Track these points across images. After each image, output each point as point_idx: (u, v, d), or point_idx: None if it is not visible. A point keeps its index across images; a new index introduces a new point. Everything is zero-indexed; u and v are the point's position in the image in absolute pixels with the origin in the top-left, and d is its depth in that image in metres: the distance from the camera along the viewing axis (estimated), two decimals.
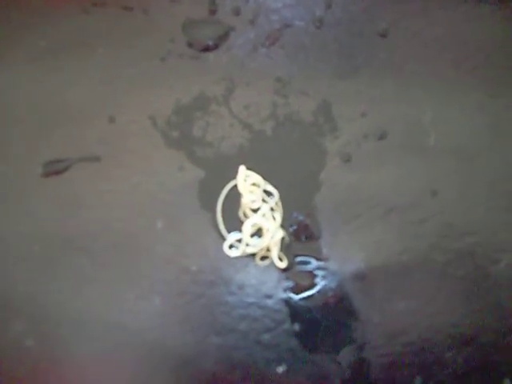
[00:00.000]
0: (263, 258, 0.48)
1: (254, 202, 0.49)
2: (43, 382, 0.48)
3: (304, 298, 0.48)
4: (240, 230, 0.49)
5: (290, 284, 0.49)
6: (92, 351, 0.48)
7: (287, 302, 0.48)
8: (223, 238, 0.49)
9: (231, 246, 0.49)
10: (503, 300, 0.48)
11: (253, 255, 0.49)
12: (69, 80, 0.53)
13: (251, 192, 0.49)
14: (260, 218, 0.48)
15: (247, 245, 0.48)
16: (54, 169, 0.51)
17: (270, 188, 0.49)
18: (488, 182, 0.50)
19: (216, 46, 0.53)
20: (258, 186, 0.49)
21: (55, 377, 0.48)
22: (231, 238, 0.48)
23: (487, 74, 0.52)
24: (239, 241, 0.48)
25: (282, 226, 0.49)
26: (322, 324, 0.48)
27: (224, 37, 0.53)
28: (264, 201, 0.49)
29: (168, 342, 0.48)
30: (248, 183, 0.49)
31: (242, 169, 0.49)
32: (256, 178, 0.49)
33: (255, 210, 0.49)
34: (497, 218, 0.49)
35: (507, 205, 0.50)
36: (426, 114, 0.51)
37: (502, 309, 0.48)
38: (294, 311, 0.48)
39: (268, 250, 0.48)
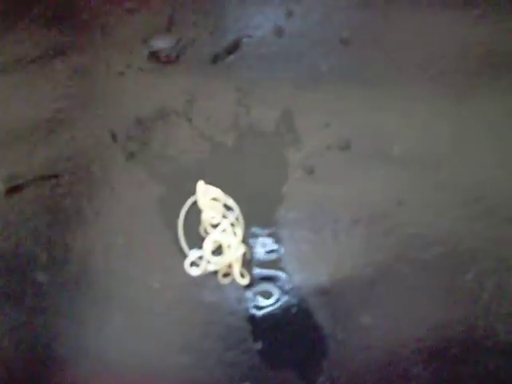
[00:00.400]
0: (225, 275, 0.47)
1: (213, 217, 0.47)
2: None
3: (267, 315, 0.47)
4: (201, 247, 0.48)
5: (252, 300, 0.48)
6: (50, 371, 0.47)
7: (249, 318, 0.47)
8: (185, 255, 0.48)
9: (193, 264, 0.48)
10: (470, 312, 0.47)
11: (215, 272, 0.47)
12: (26, 95, 0.52)
13: (211, 207, 0.47)
14: (220, 235, 0.47)
15: (208, 262, 0.47)
16: (14, 186, 0.50)
17: (231, 202, 0.48)
18: (454, 191, 0.49)
19: (176, 59, 0.52)
20: (218, 200, 0.48)
21: None
22: (192, 255, 0.47)
23: (451, 80, 0.51)
24: (201, 258, 0.47)
25: (244, 241, 0.48)
26: (284, 340, 0.47)
27: (184, 49, 0.52)
28: (224, 216, 0.48)
29: (129, 361, 0.47)
30: (208, 198, 0.47)
31: (201, 184, 0.48)
32: (216, 192, 0.48)
33: (216, 226, 0.48)
34: (463, 227, 0.48)
35: (474, 214, 0.49)
36: (391, 123, 0.50)
37: (469, 321, 0.47)
38: (257, 328, 0.47)
39: (230, 266, 0.47)
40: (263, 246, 0.49)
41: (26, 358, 0.47)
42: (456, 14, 0.52)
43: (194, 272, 0.47)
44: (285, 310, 0.47)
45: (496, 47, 0.52)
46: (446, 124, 0.51)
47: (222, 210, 0.48)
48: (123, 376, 0.47)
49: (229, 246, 0.47)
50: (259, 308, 0.47)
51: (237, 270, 0.47)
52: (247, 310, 0.47)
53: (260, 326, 0.47)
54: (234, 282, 0.48)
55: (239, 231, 0.48)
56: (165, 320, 0.48)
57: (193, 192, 0.49)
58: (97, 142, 0.51)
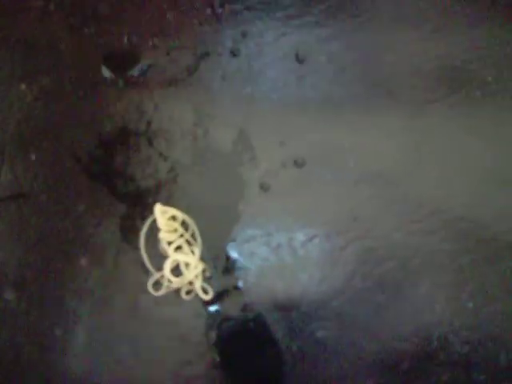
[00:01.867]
0: (188, 292, 0.48)
1: (171, 236, 0.49)
2: None
3: (225, 329, 0.48)
4: (162, 264, 0.49)
5: (210, 315, 0.49)
6: None
7: (208, 333, 0.48)
8: (146, 272, 0.49)
9: (155, 284, 0.49)
10: (423, 325, 0.48)
11: (176, 289, 0.49)
12: None
13: (168, 227, 0.49)
14: (178, 254, 0.48)
15: (170, 282, 0.48)
16: None
17: (188, 221, 0.49)
18: (409, 206, 0.50)
19: (136, 80, 0.53)
20: (176, 220, 0.49)
21: None
22: (154, 276, 0.48)
23: (406, 95, 0.52)
24: (162, 277, 0.48)
25: (202, 258, 0.49)
26: (243, 354, 0.48)
27: (143, 69, 0.53)
28: (182, 235, 0.49)
29: (92, 377, 0.48)
30: (165, 219, 0.49)
31: (158, 206, 0.49)
32: (173, 212, 0.49)
33: (174, 245, 0.49)
34: (417, 241, 0.49)
35: (428, 228, 0.50)
36: (345, 140, 0.51)
37: (422, 334, 0.48)
38: (215, 342, 0.48)
39: (190, 283, 0.48)
40: (221, 263, 0.50)
41: None
42: (407, 32, 0.53)
43: (157, 292, 0.49)
44: (243, 325, 0.48)
45: (449, 62, 0.53)
46: (399, 141, 0.52)
47: (180, 229, 0.49)
48: None
49: (187, 265, 0.48)
50: (218, 323, 0.49)
51: (198, 286, 0.48)
52: (206, 324, 0.49)
53: (219, 340, 0.48)
54: (194, 298, 0.49)
55: (197, 250, 0.49)
56: (127, 335, 0.49)
57: (152, 210, 0.50)
58: (61, 163, 0.52)
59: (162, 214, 0.49)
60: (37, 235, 0.51)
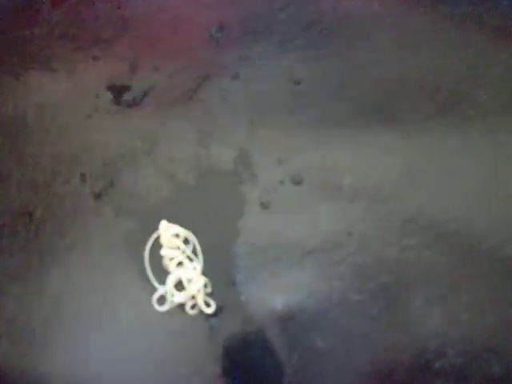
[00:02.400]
0: (192, 306, 0.50)
1: (173, 253, 0.51)
2: None
3: (226, 341, 0.50)
4: (165, 279, 0.51)
5: (212, 328, 0.51)
6: None
7: (210, 345, 0.50)
8: (150, 288, 0.51)
9: (159, 300, 0.51)
10: (419, 336, 0.49)
11: (181, 304, 0.51)
12: (3, 144, 0.56)
13: (172, 244, 0.51)
14: (180, 270, 0.50)
15: (173, 297, 0.50)
16: None
17: (190, 237, 0.51)
18: (403, 221, 0.52)
19: (139, 102, 0.55)
20: (179, 236, 0.51)
21: None
22: (159, 292, 0.51)
23: (397, 116, 0.54)
24: (166, 293, 0.51)
25: (204, 273, 0.51)
26: (243, 366, 0.50)
27: (146, 92, 0.56)
28: (183, 251, 0.51)
29: None
30: (169, 235, 0.51)
31: (164, 223, 0.51)
32: (176, 229, 0.51)
33: (176, 261, 0.51)
34: (411, 256, 0.51)
35: (420, 243, 0.51)
36: (341, 158, 0.53)
37: (417, 345, 0.49)
38: (217, 354, 0.50)
39: (193, 298, 0.50)
40: (221, 277, 0.52)
41: None
42: (404, 51, 0.55)
43: (162, 308, 0.51)
44: (242, 337, 0.50)
45: (443, 82, 0.55)
46: (394, 158, 0.54)
47: (182, 245, 0.51)
48: None
49: (189, 280, 0.50)
50: (219, 335, 0.50)
51: (201, 300, 0.50)
52: (208, 337, 0.50)
53: (220, 352, 0.50)
54: (194, 310, 0.51)
55: (198, 266, 0.51)
56: (131, 350, 0.51)
57: (157, 228, 0.52)
58: (66, 182, 0.54)
59: (166, 231, 0.51)
60: (42, 252, 0.53)
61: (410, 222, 0.52)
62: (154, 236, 0.52)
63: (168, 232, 0.51)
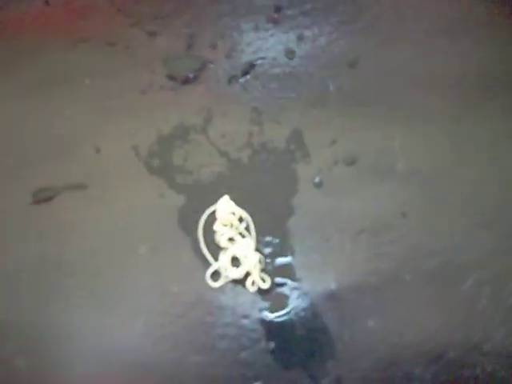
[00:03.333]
0: (253, 282, 0.51)
1: (227, 229, 0.51)
2: None
3: (278, 318, 0.51)
4: (218, 254, 0.51)
5: (265, 304, 0.51)
6: (79, 369, 0.51)
7: (263, 321, 0.51)
8: (203, 262, 0.52)
9: (214, 274, 0.51)
10: (468, 318, 0.50)
11: (235, 281, 0.51)
12: (55, 112, 0.56)
13: (227, 220, 0.51)
14: (234, 247, 0.51)
15: (228, 274, 0.50)
16: (43, 197, 0.54)
17: (244, 215, 0.52)
18: (454, 204, 0.53)
19: (194, 79, 0.56)
20: (234, 214, 0.52)
21: None
22: (212, 268, 0.51)
23: (450, 101, 0.55)
24: (219, 269, 0.51)
25: (257, 249, 0.52)
26: (295, 341, 0.50)
27: (201, 69, 0.56)
28: (237, 228, 0.52)
29: (150, 360, 0.50)
30: (227, 211, 0.51)
31: (225, 198, 0.51)
32: (234, 207, 0.51)
33: (229, 237, 0.52)
34: (461, 238, 0.52)
35: (473, 226, 0.52)
36: (395, 140, 0.54)
37: (466, 327, 0.50)
38: (270, 330, 0.50)
39: (248, 274, 0.51)
40: (275, 255, 0.52)
41: None
42: (453, 41, 0.56)
43: (215, 284, 0.51)
44: (295, 314, 0.51)
45: (492, 70, 0.56)
46: (446, 141, 0.54)
47: (236, 222, 0.52)
48: (143, 376, 0.50)
49: (244, 257, 0.51)
50: (271, 311, 0.51)
51: (257, 276, 0.51)
52: (260, 313, 0.51)
53: (272, 328, 0.51)
54: (247, 286, 0.51)
55: (252, 242, 0.52)
56: (183, 322, 0.51)
57: (210, 203, 0.53)
58: (121, 156, 0.55)
59: (225, 207, 0.51)
60: (95, 224, 0.53)
61: (461, 205, 0.53)
62: (209, 211, 0.52)
63: (226, 208, 0.51)
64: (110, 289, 0.52)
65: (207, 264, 0.52)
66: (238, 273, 0.51)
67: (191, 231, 0.53)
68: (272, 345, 0.50)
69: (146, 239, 0.53)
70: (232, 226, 0.52)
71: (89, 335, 0.51)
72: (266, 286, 0.51)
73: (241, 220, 0.53)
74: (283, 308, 0.51)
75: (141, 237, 0.53)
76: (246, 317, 0.51)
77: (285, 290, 0.52)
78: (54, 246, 0.53)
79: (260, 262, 0.51)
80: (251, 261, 0.51)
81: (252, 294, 0.51)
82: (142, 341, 0.51)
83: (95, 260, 0.53)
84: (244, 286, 0.52)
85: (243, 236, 0.52)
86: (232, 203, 0.52)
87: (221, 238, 0.52)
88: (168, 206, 0.54)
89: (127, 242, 0.53)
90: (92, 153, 0.55)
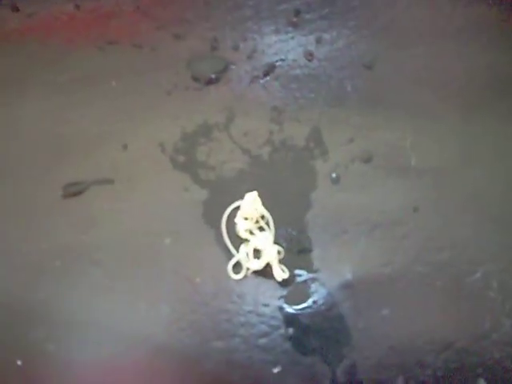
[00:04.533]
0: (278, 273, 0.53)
1: (248, 223, 0.54)
2: (62, 382, 0.53)
3: (297, 306, 0.53)
4: (239, 246, 0.54)
5: (284, 293, 0.54)
6: (106, 354, 0.53)
7: (282, 309, 0.53)
8: (225, 253, 0.54)
9: (235, 266, 0.54)
10: (478, 308, 0.53)
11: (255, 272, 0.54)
12: (85, 111, 0.59)
13: (250, 215, 0.54)
14: (254, 240, 0.53)
15: (249, 266, 0.53)
16: (73, 191, 0.57)
17: (266, 214, 0.55)
18: (465, 199, 0.55)
19: (217, 79, 0.59)
20: (257, 210, 0.54)
21: (73, 377, 0.53)
22: (234, 259, 0.54)
23: (461, 102, 0.57)
24: (242, 260, 0.54)
25: (277, 242, 0.54)
26: (313, 329, 0.53)
27: (224, 70, 0.59)
28: (257, 221, 0.54)
29: (174, 346, 0.53)
30: (252, 206, 0.54)
31: (253, 194, 0.54)
32: (259, 204, 0.54)
33: (250, 231, 0.54)
34: (470, 232, 0.54)
35: (479, 219, 0.55)
36: (407, 139, 0.57)
37: (476, 317, 0.52)
38: (289, 318, 0.53)
39: (268, 265, 0.53)
40: (293, 247, 0.55)
41: None
42: (467, 41, 0.59)
43: (237, 276, 0.54)
44: (313, 302, 0.53)
45: (501, 71, 0.58)
46: (456, 139, 0.57)
47: (257, 216, 0.55)
48: (167, 361, 0.53)
49: (263, 249, 0.53)
50: (290, 300, 0.54)
51: (276, 267, 0.53)
52: (280, 301, 0.53)
53: (291, 316, 0.53)
54: (267, 277, 0.54)
55: (270, 235, 0.54)
56: (206, 310, 0.54)
57: (232, 197, 0.56)
58: (147, 153, 0.57)
59: (251, 202, 0.54)
60: (119, 219, 0.56)
61: (471, 200, 0.55)
62: (233, 206, 0.54)
63: (252, 203, 0.54)
64: (135, 278, 0.55)
65: (229, 255, 0.55)
66: (258, 264, 0.53)
67: (214, 224, 0.55)
68: (290, 332, 0.53)
69: (170, 231, 0.55)
70: (253, 219, 0.55)
71: (115, 322, 0.54)
72: (285, 276, 0.53)
73: (262, 217, 0.55)
74: (302, 297, 0.54)
75: (166, 229, 0.56)
76: (265, 305, 0.54)
77: (303, 280, 0.54)
78: (83, 237, 0.56)
79: (279, 253, 0.54)
80: (270, 253, 0.53)
81: (272, 283, 0.54)
82: (167, 328, 0.53)
83: (122, 250, 0.55)
84: (264, 276, 0.54)
85: (262, 229, 0.55)
86: (258, 200, 0.54)
87: (240, 230, 0.55)
88: (192, 200, 0.56)
89: (153, 233, 0.56)
90: (119, 149, 0.58)
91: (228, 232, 0.55)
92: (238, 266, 0.55)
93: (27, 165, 0.58)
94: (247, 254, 0.54)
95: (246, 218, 0.55)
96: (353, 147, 0.56)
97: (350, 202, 0.55)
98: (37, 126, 0.59)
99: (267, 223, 0.55)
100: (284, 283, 0.54)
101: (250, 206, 0.54)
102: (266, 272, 0.54)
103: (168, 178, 0.57)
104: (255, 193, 0.54)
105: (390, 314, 0.53)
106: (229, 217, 0.55)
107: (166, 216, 0.56)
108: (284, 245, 0.55)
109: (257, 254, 0.54)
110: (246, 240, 0.55)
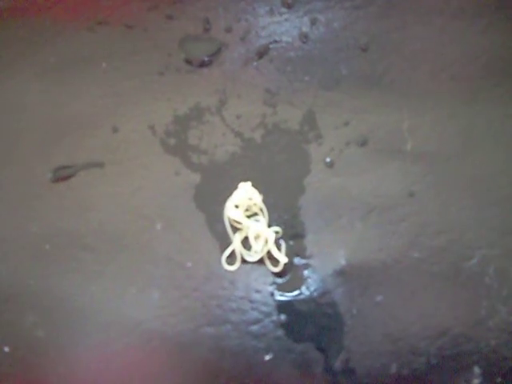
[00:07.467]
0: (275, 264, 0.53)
1: (240, 214, 0.53)
2: (52, 369, 0.52)
3: (290, 292, 0.52)
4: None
5: (277, 280, 0.53)
6: (97, 340, 0.53)
7: (274, 295, 0.52)
8: (216, 238, 0.53)
9: (228, 258, 0.53)
10: (474, 294, 0.52)
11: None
12: (75, 92, 0.58)
13: (243, 204, 0.53)
14: (249, 228, 0.52)
15: (242, 254, 0.52)
16: (62, 174, 0.56)
17: (259, 203, 0.54)
18: (462, 183, 0.54)
19: (210, 61, 0.58)
20: (251, 199, 0.53)
21: (63, 364, 0.52)
22: (228, 250, 0.53)
23: (460, 84, 0.56)
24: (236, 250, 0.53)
25: (270, 227, 0.53)
26: (306, 316, 0.52)
27: (217, 52, 0.58)
28: (247, 209, 0.53)
29: (165, 332, 0.52)
30: (245, 197, 0.53)
31: (247, 185, 0.53)
32: (254, 195, 0.53)
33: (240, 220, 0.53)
34: (468, 217, 0.53)
35: (477, 204, 0.54)
36: (404, 122, 0.56)
37: (472, 303, 0.51)
38: (281, 304, 0.52)
39: (268, 252, 0.52)
40: (286, 232, 0.54)
41: None
42: (465, 25, 0.57)
43: (231, 268, 0.53)
44: (306, 288, 0.53)
45: (501, 54, 0.57)
46: (454, 123, 0.56)
47: (251, 204, 0.54)
48: (158, 346, 0.52)
49: (258, 236, 0.52)
50: (283, 287, 0.53)
51: (276, 252, 0.52)
52: (272, 287, 0.53)
53: (283, 303, 0.52)
54: (259, 262, 0.53)
55: (264, 221, 0.53)
56: (197, 296, 0.53)
57: (224, 181, 0.55)
58: (138, 136, 0.56)
59: (245, 193, 0.53)
60: (110, 203, 0.55)
61: (469, 185, 0.54)
62: (233, 194, 0.53)
63: (245, 194, 0.53)
64: (126, 262, 0.54)
65: (221, 240, 0.54)
66: (257, 254, 0.53)
67: (206, 208, 0.55)
68: (283, 318, 0.52)
69: (161, 215, 0.55)
70: (243, 207, 0.53)
71: (106, 307, 0.53)
72: (285, 260, 0.52)
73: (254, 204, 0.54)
74: (294, 284, 0.53)
75: (157, 213, 0.55)
76: (257, 291, 0.53)
77: (296, 265, 0.53)
78: (73, 221, 0.55)
79: (277, 233, 0.53)
80: (269, 238, 0.52)
81: (264, 269, 0.53)
82: (158, 313, 0.53)
83: (113, 235, 0.55)
84: (256, 262, 0.53)
85: (256, 214, 0.54)
86: (255, 191, 0.54)
87: (234, 217, 0.53)
88: (183, 184, 0.55)
89: (144, 218, 0.55)
90: (110, 132, 0.57)
91: (219, 220, 0.54)
92: (231, 256, 0.53)
93: (16, 148, 0.57)
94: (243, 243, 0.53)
95: (237, 206, 0.53)
96: (348, 131, 0.55)
97: (344, 187, 0.54)
98: (24, 109, 0.57)
99: (261, 209, 0.54)
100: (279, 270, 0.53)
101: (243, 196, 0.52)
102: (277, 263, 0.53)
103: (159, 162, 0.56)
104: (248, 184, 0.53)
105: (384, 300, 0.52)
106: (221, 204, 0.54)
107: (158, 200, 0.55)
108: (277, 230, 0.53)
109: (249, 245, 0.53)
110: (240, 229, 0.53)
